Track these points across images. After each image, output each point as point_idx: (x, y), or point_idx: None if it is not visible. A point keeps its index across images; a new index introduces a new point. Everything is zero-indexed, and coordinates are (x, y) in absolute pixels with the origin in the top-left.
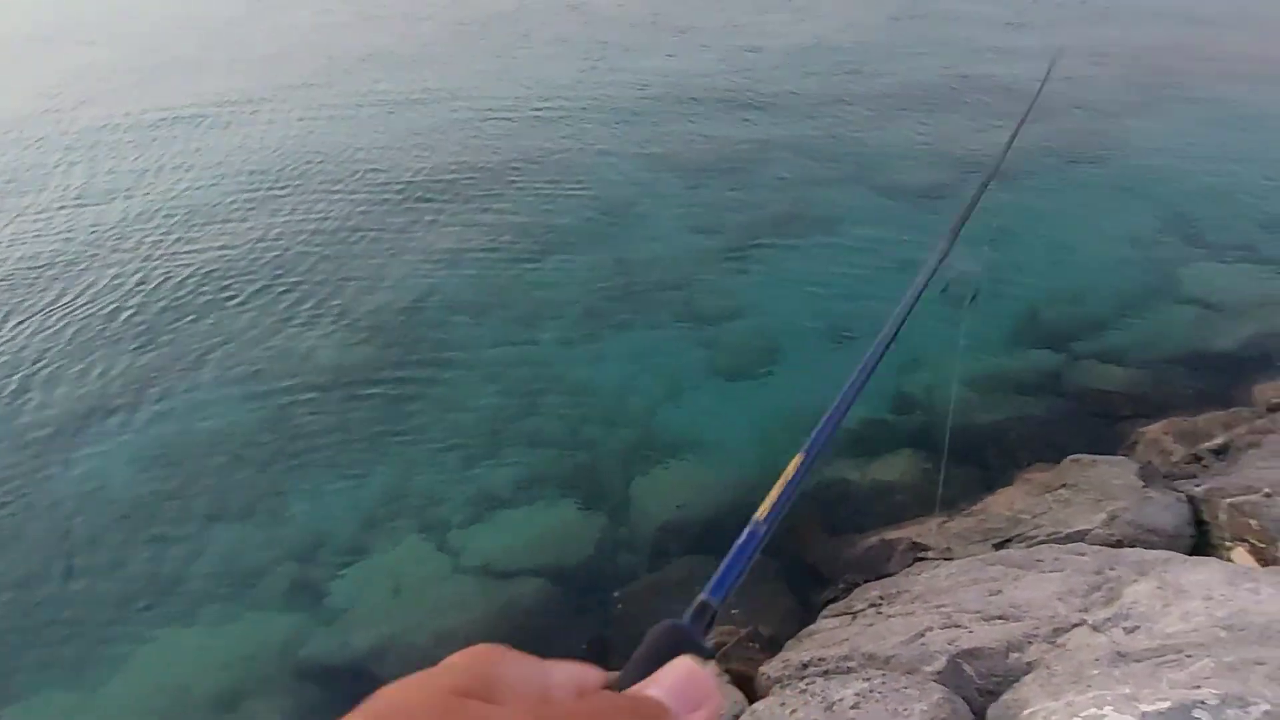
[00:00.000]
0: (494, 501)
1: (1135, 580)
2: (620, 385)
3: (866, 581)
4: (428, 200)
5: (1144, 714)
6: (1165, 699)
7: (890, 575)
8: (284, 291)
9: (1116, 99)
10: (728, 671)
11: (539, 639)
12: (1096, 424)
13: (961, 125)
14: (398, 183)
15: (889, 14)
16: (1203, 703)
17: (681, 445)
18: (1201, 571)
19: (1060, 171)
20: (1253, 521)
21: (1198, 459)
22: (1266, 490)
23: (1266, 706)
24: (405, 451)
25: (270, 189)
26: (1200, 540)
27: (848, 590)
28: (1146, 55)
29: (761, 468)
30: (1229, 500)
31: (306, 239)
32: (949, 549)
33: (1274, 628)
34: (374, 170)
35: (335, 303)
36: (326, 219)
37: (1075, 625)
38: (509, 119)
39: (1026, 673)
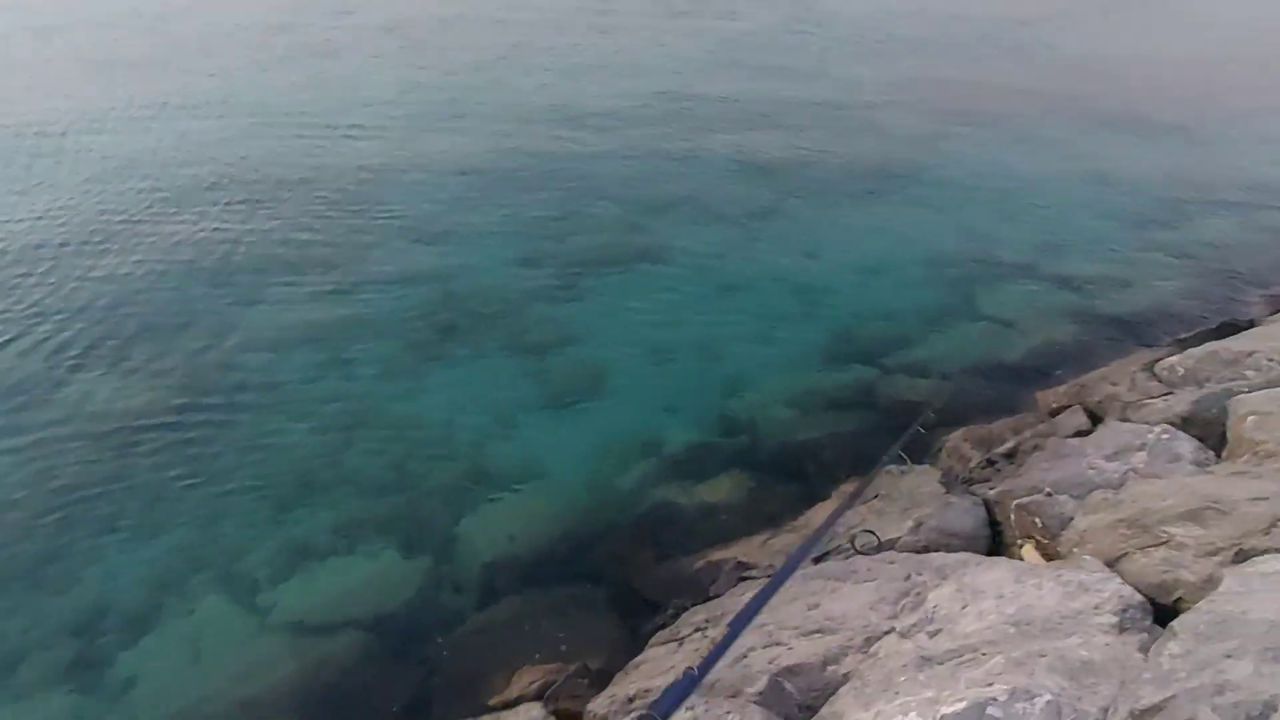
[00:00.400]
0: (306, 551)
1: (938, 584)
2: (445, 418)
3: (694, 605)
4: (225, 225)
5: (942, 716)
6: (962, 699)
7: (717, 597)
8: (53, 329)
9: (916, 127)
10: (554, 714)
11: (356, 698)
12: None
13: (780, 147)
14: (189, 204)
15: (710, 41)
16: (994, 699)
17: (511, 477)
18: (994, 571)
19: (869, 194)
20: (1037, 520)
21: (991, 463)
22: (1048, 490)
23: (1048, 696)
24: (204, 502)
25: (34, 212)
26: (995, 540)
27: (675, 615)
28: (943, 87)
29: (593, 494)
30: (1016, 501)
31: (81, 269)
32: (772, 566)
33: (1053, 620)
34: (158, 191)
35: (116, 340)
36: (104, 246)
37: (886, 633)
38: (319, 138)
39: (842, 684)
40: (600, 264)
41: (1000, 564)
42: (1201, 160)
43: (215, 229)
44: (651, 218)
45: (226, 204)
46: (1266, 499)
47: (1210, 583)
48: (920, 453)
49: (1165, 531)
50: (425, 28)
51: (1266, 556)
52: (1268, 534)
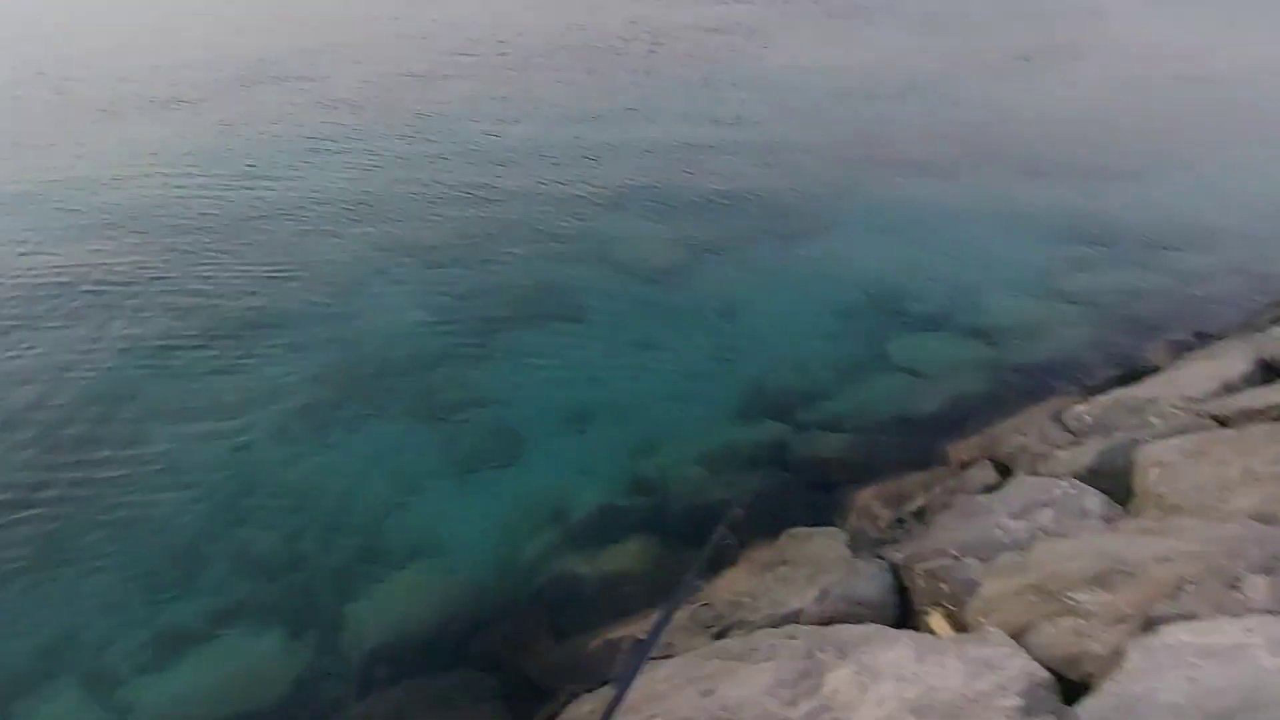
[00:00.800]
0: (179, 640)
1: (838, 664)
2: (344, 487)
3: (584, 693)
4: (105, 284)
5: None
6: None
7: (609, 682)
8: None
9: (833, 178)
10: None
11: None
12: (816, 494)
13: (696, 197)
14: (67, 259)
15: (625, 92)
16: None
17: (408, 551)
18: (895, 649)
19: (784, 245)
20: (944, 586)
21: (901, 522)
22: (954, 553)
23: None
24: (67, 587)
25: None
26: (904, 607)
27: (567, 702)
28: (859, 138)
29: (492, 568)
30: (922, 566)
31: None
32: (671, 644)
33: (955, 705)
34: (32, 249)
35: None
36: None
37: None
38: (210, 191)
39: None
40: (511, 321)
41: (902, 640)
42: (1105, 207)
43: (93, 288)
44: (565, 271)
45: (108, 262)
46: (1171, 560)
47: (1119, 654)
48: (830, 511)
49: (1072, 598)
50: (326, 77)
51: (1173, 626)
52: (1174, 599)
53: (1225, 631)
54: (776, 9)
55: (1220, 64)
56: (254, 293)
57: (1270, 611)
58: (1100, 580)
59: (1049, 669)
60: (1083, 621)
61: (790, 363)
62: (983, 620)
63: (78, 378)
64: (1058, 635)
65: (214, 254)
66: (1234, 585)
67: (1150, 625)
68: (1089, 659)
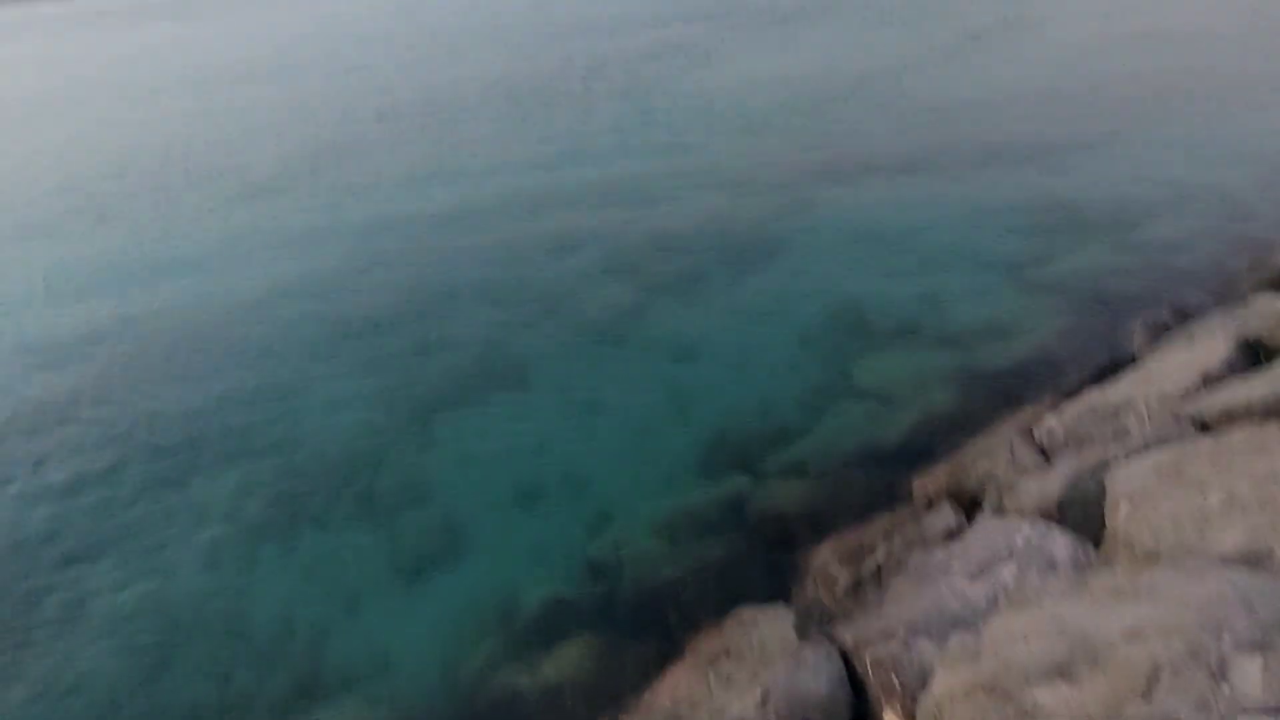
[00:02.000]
0: None
1: None
2: (281, 613)
3: None
4: (14, 411)
5: None
6: None
7: None
8: None
9: (784, 194)
10: None
11: None
12: (774, 557)
13: (643, 234)
14: None
15: (561, 129)
16: None
17: (346, 681)
18: None
19: (738, 274)
20: (894, 678)
21: (858, 586)
22: (904, 635)
23: None
24: None
25: None
26: (860, 700)
27: None
28: (806, 150)
29: (429, 694)
30: (871, 654)
31: None
32: None
33: None
34: None
35: None
36: None
37: None
38: (118, 286)
39: None
40: (454, 397)
41: None
42: (1070, 184)
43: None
44: (508, 334)
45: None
46: (1145, 637)
47: None
48: (787, 576)
49: (1030, 699)
50: (242, 157)
51: None
52: (1147, 696)
53: None
54: (711, 26)
55: (1176, 20)
56: (173, 406)
57: (1266, 712)
58: (1061, 670)
59: None
60: None
61: (749, 404)
62: None
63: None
64: None
65: (123, 370)
66: (1219, 673)
67: None
68: None
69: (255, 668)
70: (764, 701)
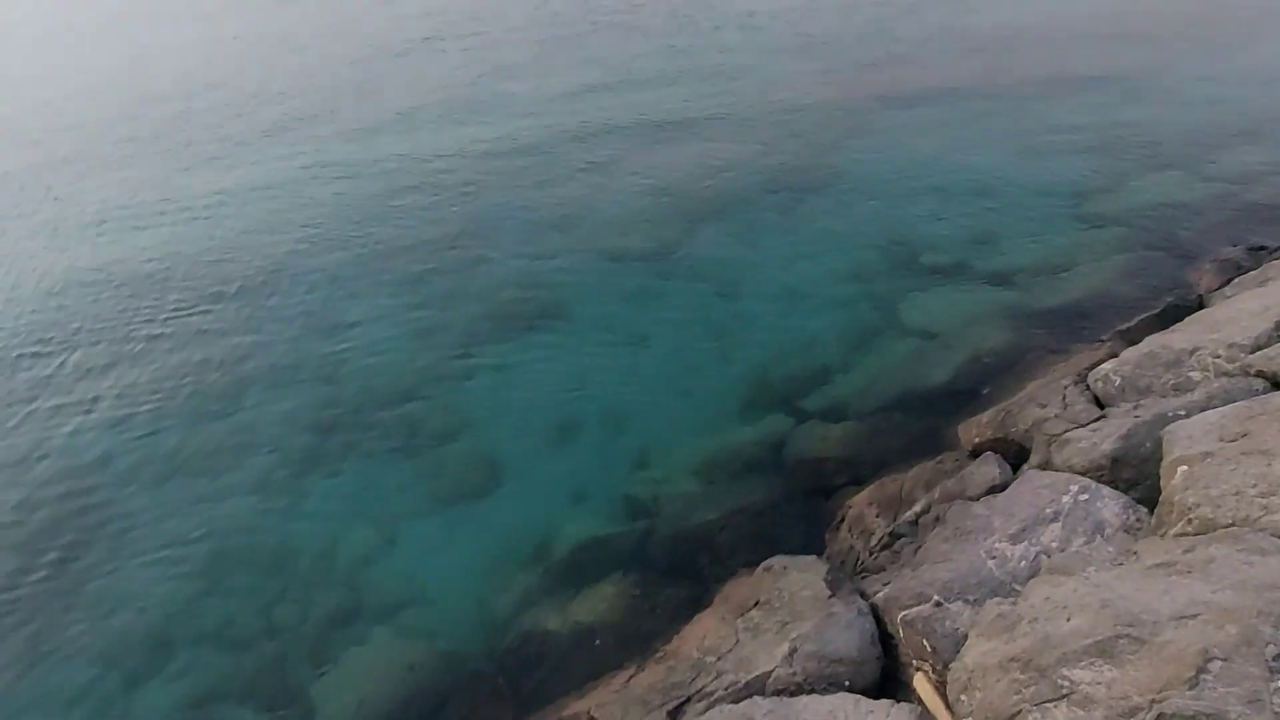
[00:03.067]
0: None
1: None
2: (323, 540)
3: None
4: (58, 334)
5: None
6: None
7: None
8: None
9: (831, 126)
10: None
11: None
12: (810, 502)
13: (689, 167)
14: (20, 327)
15: (601, 61)
16: None
17: (384, 611)
18: None
19: (786, 207)
20: (925, 641)
21: (894, 539)
22: (937, 599)
23: None
24: (36, 680)
25: None
26: (890, 660)
27: None
28: (854, 79)
29: (461, 630)
30: (903, 614)
31: None
32: None
33: None
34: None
35: None
36: None
37: None
38: (169, 220)
39: None
40: (496, 332)
41: None
42: (1133, 116)
43: (45, 343)
44: (551, 270)
45: (63, 320)
46: (1195, 617)
47: None
48: (823, 523)
49: (1067, 678)
50: (275, 88)
51: None
52: (1194, 686)
53: None
54: None
55: None
56: (230, 337)
57: None
58: (1103, 650)
59: None
60: (1080, 713)
61: (793, 341)
62: (963, 700)
63: (36, 450)
64: None
65: (173, 300)
66: (1274, 665)
67: None
68: None
69: (298, 593)
70: (791, 655)
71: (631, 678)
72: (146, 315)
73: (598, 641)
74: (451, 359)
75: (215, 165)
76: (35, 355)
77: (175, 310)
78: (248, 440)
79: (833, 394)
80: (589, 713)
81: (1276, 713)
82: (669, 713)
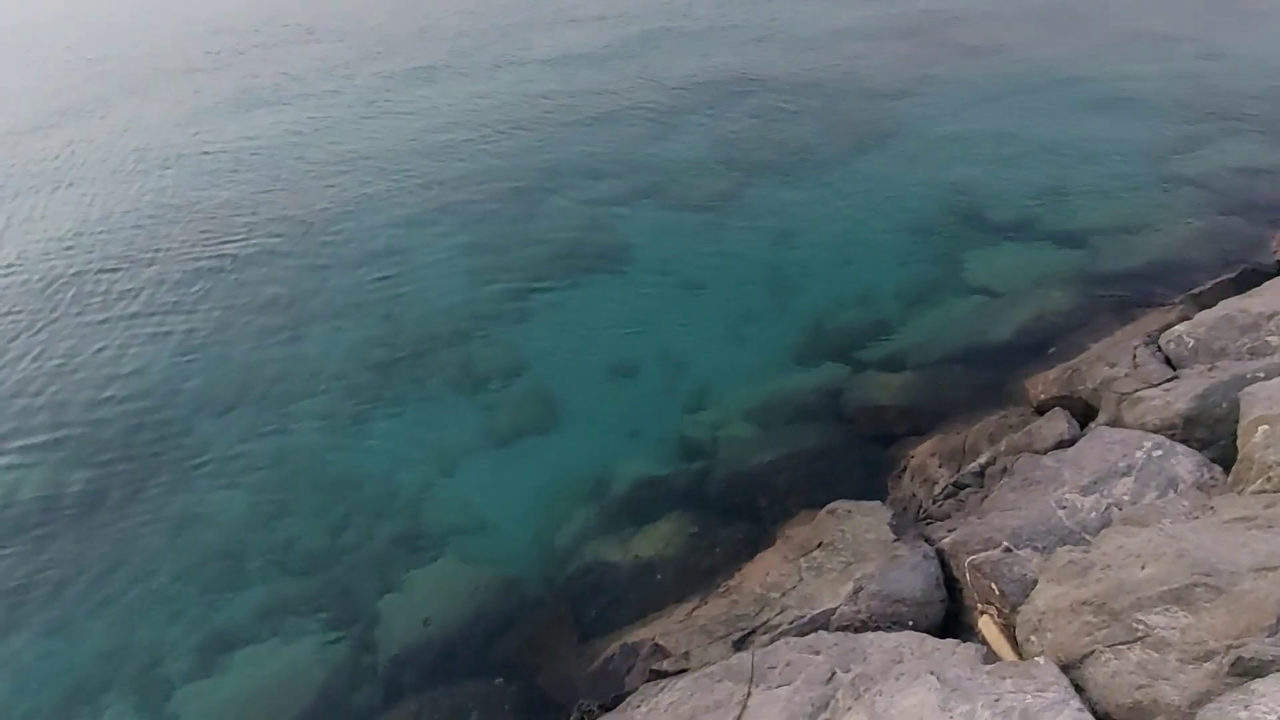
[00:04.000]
0: (225, 643)
1: (850, 708)
2: (386, 470)
3: (598, 709)
4: (129, 268)
5: None
6: None
7: (625, 694)
8: None
9: (893, 74)
10: None
11: None
12: (870, 450)
13: (747, 118)
14: (102, 255)
15: (659, 14)
16: None
17: (447, 537)
18: (916, 693)
19: (845, 159)
20: (993, 585)
21: (958, 489)
22: (1005, 545)
23: None
24: (122, 592)
25: None
26: (954, 603)
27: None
28: (919, 27)
29: (523, 558)
30: (970, 559)
31: None
32: (687, 654)
33: None
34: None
35: (24, 405)
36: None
37: None
38: (241, 165)
39: None
40: (555, 273)
41: (922, 684)
42: (1217, 73)
43: (122, 279)
44: (611, 214)
45: (132, 252)
46: (1276, 568)
47: (1199, 704)
48: (884, 469)
49: (1141, 622)
50: (341, 39)
51: (1270, 679)
52: (1274, 634)
53: None
54: None
55: None
56: (298, 274)
57: None
58: (1178, 597)
59: None
60: (1154, 654)
61: (853, 292)
62: (1033, 640)
63: (114, 373)
64: (1122, 673)
65: (240, 234)
66: None
67: (1241, 668)
68: (1160, 710)
69: (361, 522)
70: (856, 593)
71: (695, 609)
72: (215, 248)
73: (659, 575)
74: (510, 298)
75: (278, 103)
76: (112, 280)
77: (243, 243)
78: (312, 372)
79: (891, 346)
80: (654, 640)
81: None
82: (734, 643)
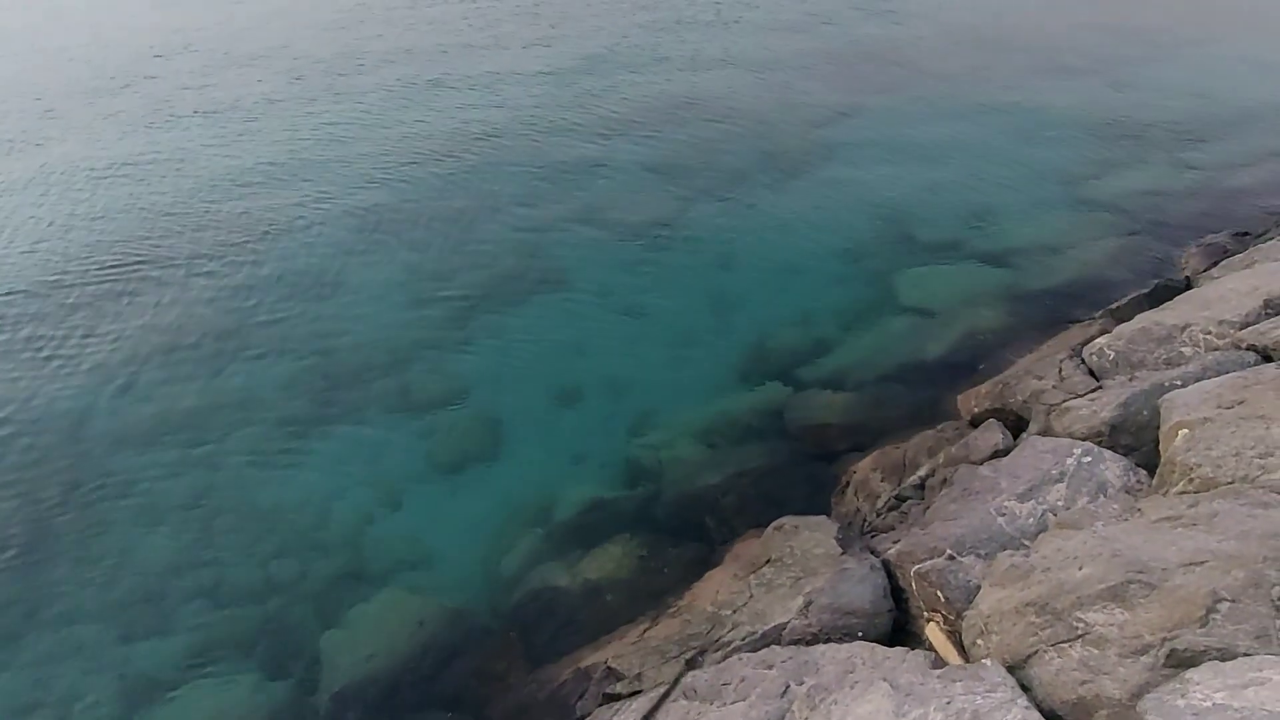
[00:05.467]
0: (152, 690)
1: (807, 718)
2: (323, 503)
3: None
4: (53, 295)
5: None
6: None
7: None
8: None
9: (827, 104)
10: None
11: None
12: (813, 467)
13: (687, 143)
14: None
15: (598, 40)
16: None
17: (389, 569)
18: (870, 700)
19: (782, 184)
20: (939, 592)
21: (900, 501)
22: (949, 553)
23: None
24: (37, 636)
25: None
26: (901, 610)
27: None
28: (850, 59)
29: (468, 587)
30: (916, 568)
31: None
32: (640, 675)
33: None
34: None
35: None
36: None
37: None
38: (160, 187)
39: None
40: (495, 298)
41: (876, 691)
42: (1124, 103)
43: (27, 294)
44: (550, 238)
45: (52, 278)
46: (1202, 564)
47: (1138, 696)
48: (827, 486)
49: (1081, 620)
50: (278, 53)
51: (1203, 668)
52: (1204, 625)
53: (1271, 684)
54: None
55: None
56: (227, 301)
57: None
58: (1115, 595)
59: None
60: (1095, 650)
61: (792, 313)
62: (980, 644)
63: (17, 405)
64: (1065, 671)
65: (166, 260)
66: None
67: (1176, 660)
68: (1104, 703)
69: (297, 554)
70: (806, 607)
71: (646, 630)
72: (131, 272)
73: (609, 598)
74: (449, 325)
75: (198, 125)
76: (25, 311)
77: (167, 270)
78: (240, 403)
79: (831, 365)
80: (606, 663)
81: None
82: (687, 661)
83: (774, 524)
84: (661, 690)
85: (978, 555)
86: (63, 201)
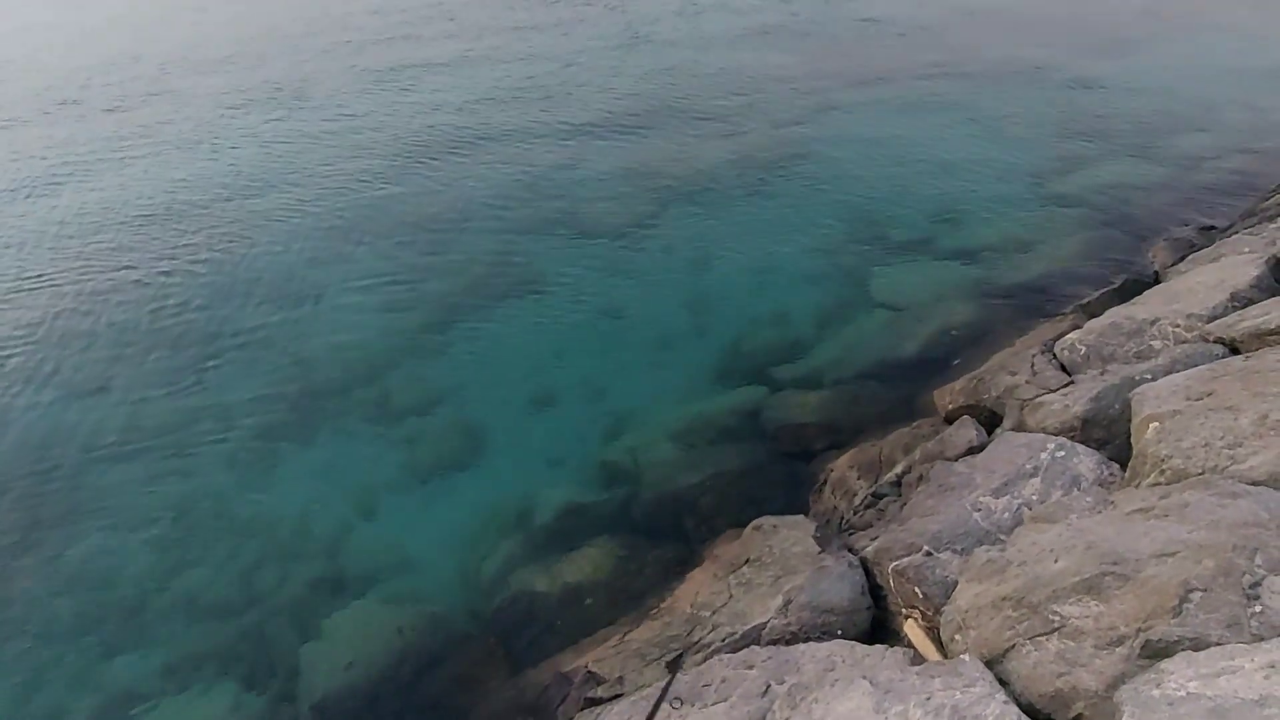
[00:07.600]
0: (130, 703)
1: (788, 718)
2: (300, 512)
3: None
4: (25, 301)
5: None
6: None
7: None
8: None
9: (799, 108)
10: None
11: None
12: (791, 466)
13: (661, 148)
14: None
15: (573, 44)
16: None
17: (367, 577)
18: (851, 697)
19: (756, 187)
20: (917, 589)
21: (877, 498)
22: (926, 549)
23: None
24: (14, 654)
25: None
26: (880, 607)
27: None
28: (821, 65)
29: (448, 593)
30: (893, 565)
31: None
32: (621, 678)
33: None
34: None
35: None
36: None
37: None
38: (132, 195)
39: None
40: (471, 303)
41: (857, 689)
42: (1090, 101)
43: (10, 301)
44: (525, 243)
45: (34, 276)
46: (1174, 554)
47: (1114, 687)
48: (804, 486)
49: (1057, 613)
50: (252, 63)
51: (1177, 658)
52: (1178, 615)
53: (1243, 672)
54: None
55: None
56: (200, 309)
57: None
58: (1090, 587)
59: (1033, 713)
60: (1071, 643)
61: (768, 313)
62: (958, 639)
63: (3, 415)
64: (1042, 664)
65: (137, 268)
66: (1250, 593)
67: (1150, 651)
68: (1081, 695)
69: (274, 566)
70: (786, 606)
71: (627, 633)
72: (104, 281)
73: (589, 601)
74: (426, 331)
75: (167, 133)
76: None
77: (136, 275)
78: (215, 413)
79: (807, 364)
80: (586, 668)
81: (1255, 634)
82: (668, 664)
83: (753, 524)
84: (644, 693)
85: (954, 551)
86: (35, 207)
